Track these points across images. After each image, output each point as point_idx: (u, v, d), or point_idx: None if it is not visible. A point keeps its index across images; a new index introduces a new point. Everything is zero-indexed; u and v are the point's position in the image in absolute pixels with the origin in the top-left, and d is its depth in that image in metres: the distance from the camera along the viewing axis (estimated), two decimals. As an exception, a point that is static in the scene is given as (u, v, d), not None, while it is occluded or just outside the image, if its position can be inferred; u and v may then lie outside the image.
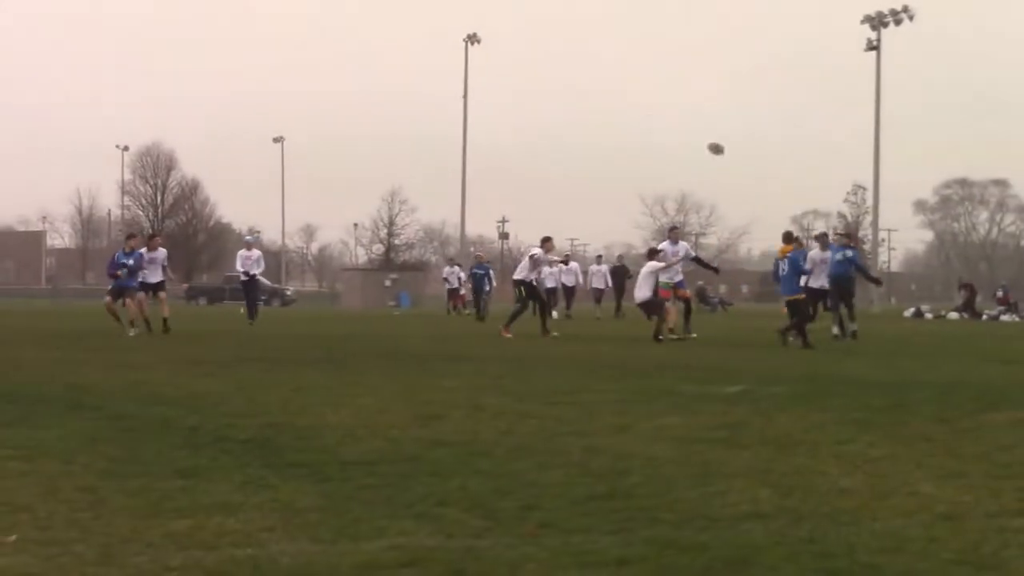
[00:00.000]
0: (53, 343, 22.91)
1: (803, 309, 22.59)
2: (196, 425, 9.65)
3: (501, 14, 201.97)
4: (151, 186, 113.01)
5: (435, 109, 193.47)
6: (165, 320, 27.33)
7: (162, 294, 28.45)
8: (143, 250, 28.15)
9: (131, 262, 27.17)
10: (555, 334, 26.13)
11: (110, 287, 27.80)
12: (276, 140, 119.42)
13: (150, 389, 12.79)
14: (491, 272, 45.64)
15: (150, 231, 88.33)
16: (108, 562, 5.03)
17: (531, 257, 27.97)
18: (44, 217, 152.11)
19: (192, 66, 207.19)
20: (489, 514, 6.07)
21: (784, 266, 22.78)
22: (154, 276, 28.16)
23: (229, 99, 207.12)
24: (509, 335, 25.88)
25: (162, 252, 28.68)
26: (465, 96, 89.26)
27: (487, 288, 43.80)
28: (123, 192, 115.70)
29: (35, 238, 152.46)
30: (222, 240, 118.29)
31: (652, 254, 26.17)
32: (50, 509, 6.07)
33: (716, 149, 26.66)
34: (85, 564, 5.00)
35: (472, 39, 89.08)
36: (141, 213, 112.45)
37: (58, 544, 5.31)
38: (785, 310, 23.01)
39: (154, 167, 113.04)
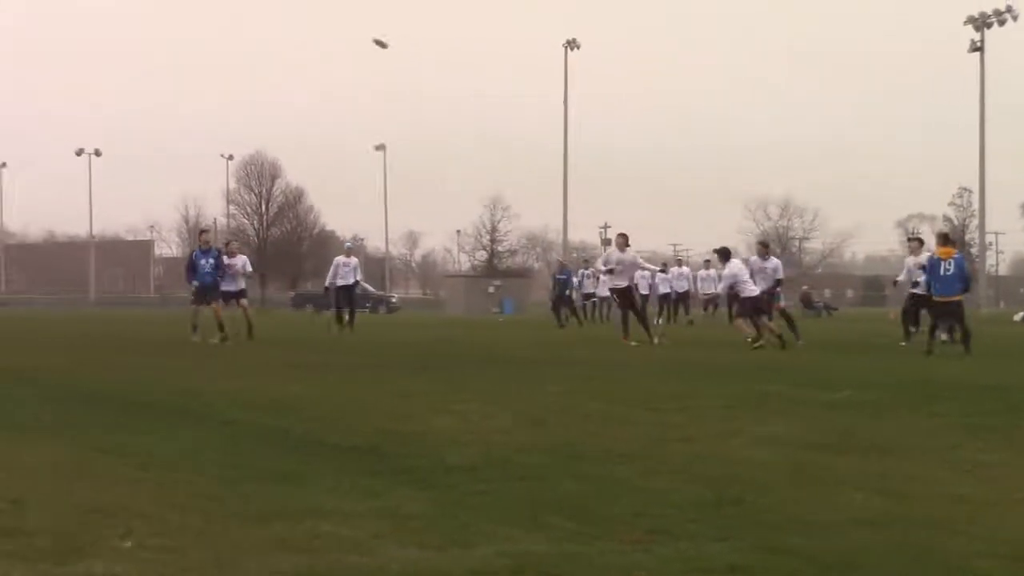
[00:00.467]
0: (162, 350, 23.25)
1: (959, 311, 22.41)
2: (304, 432, 9.74)
3: (600, 18, 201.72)
4: (255, 194, 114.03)
5: (537, 114, 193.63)
6: (250, 327, 27.07)
7: (243, 301, 27.95)
8: (221, 255, 27.61)
9: (211, 260, 26.77)
10: (657, 341, 25.77)
11: (193, 293, 27.18)
12: (378, 148, 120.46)
13: (257, 395, 12.92)
14: (574, 277, 45.40)
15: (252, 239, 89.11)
16: (220, 567, 5.10)
17: (604, 263, 27.89)
18: (152, 226, 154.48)
19: (294, 74, 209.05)
20: (597, 520, 6.06)
21: (948, 267, 22.33)
22: (232, 284, 27.52)
23: (330, 107, 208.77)
24: (632, 343, 25.47)
25: (241, 259, 28.17)
26: (565, 101, 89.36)
27: (570, 293, 43.65)
28: (228, 201, 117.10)
29: (143, 247, 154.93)
30: (327, 248, 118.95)
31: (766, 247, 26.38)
32: (163, 515, 6.15)
33: (380, 44, 29.34)
34: (197, 569, 5.07)
35: (571, 44, 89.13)
36: (246, 221, 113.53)
37: (171, 550, 5.38)
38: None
39: (258, 176, 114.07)
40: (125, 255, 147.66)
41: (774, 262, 27.12)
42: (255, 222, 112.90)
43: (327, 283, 33.87)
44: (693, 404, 11.92)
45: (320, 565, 5.17)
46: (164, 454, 8.38)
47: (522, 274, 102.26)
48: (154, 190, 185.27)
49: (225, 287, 27.22)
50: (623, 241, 27.56)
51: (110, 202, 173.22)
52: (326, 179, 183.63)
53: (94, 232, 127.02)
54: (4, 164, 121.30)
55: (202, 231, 30.29)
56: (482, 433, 9.57)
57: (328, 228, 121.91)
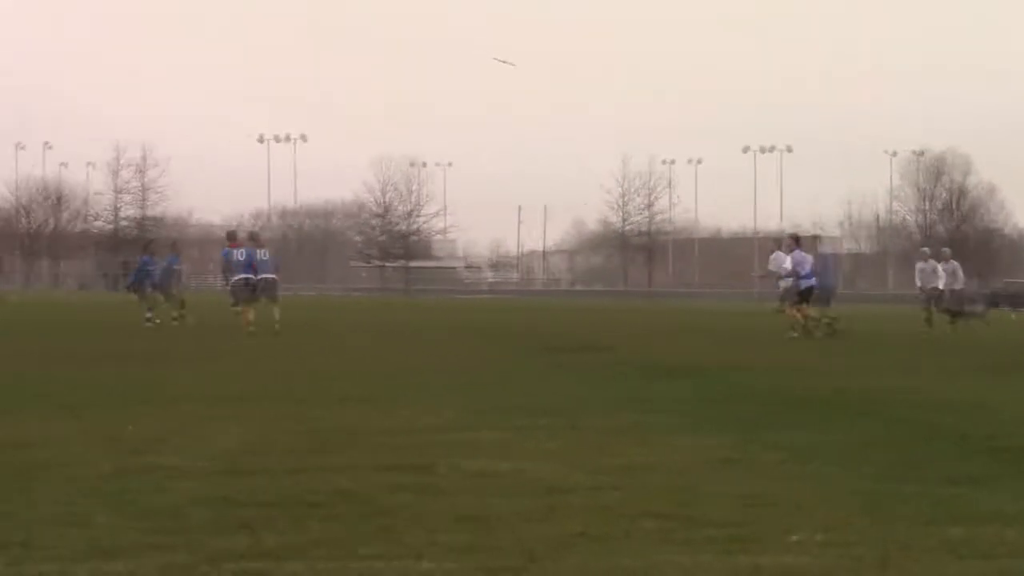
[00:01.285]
0: (807, 346, 23.35)
1: None
2: (966, 432, 9.50)
3: None
4: (920, 191, 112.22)
5: None
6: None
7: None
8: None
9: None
10: None
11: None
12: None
13: (921, 395, 12.73)
14: None
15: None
16: (886, 567, 5.06)
17: None
18: (815, 222, 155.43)
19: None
20: None
21: None
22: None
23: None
24: None
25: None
26: None
27: None
28: (891, 198, 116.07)
29: (808, 243, 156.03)
30: (990, 246, 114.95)
31: None
32: (826, 510, 6.19)
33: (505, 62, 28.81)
34: (863, 567, 5.06)
35: None
36: (910, 218, 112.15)
37: (837, 546, 5.39)
38: None
39: (922, 172, 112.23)
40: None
41: None
42: (919, 219, 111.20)
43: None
44: None
45: (987, 569, 5.06)
46: (825, 450, 8.42)
47: None
48: (821, 186, 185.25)
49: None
50: None
51: (776, 198, 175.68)
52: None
53: (758, 228, 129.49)
54: (673, 161, 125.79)
55: (794, 237, 30.93)
56: None
57: (995, 226, 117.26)
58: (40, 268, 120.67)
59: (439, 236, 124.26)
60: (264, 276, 26.21)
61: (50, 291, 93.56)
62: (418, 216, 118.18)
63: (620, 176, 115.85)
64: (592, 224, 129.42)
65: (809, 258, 28.31)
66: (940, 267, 31.69)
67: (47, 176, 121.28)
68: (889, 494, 6.65)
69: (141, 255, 32.40)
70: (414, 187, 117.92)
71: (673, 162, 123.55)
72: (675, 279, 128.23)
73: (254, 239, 28.16)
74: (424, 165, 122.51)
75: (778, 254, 29.25)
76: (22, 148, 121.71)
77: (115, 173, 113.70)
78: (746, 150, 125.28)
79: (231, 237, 28.01)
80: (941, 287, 31.07)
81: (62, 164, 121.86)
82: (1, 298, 48.13)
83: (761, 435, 9.18)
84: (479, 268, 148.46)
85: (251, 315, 25.24)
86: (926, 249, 34.72)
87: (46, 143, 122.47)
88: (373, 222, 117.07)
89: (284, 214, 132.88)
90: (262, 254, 26.70)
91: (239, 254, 26.56)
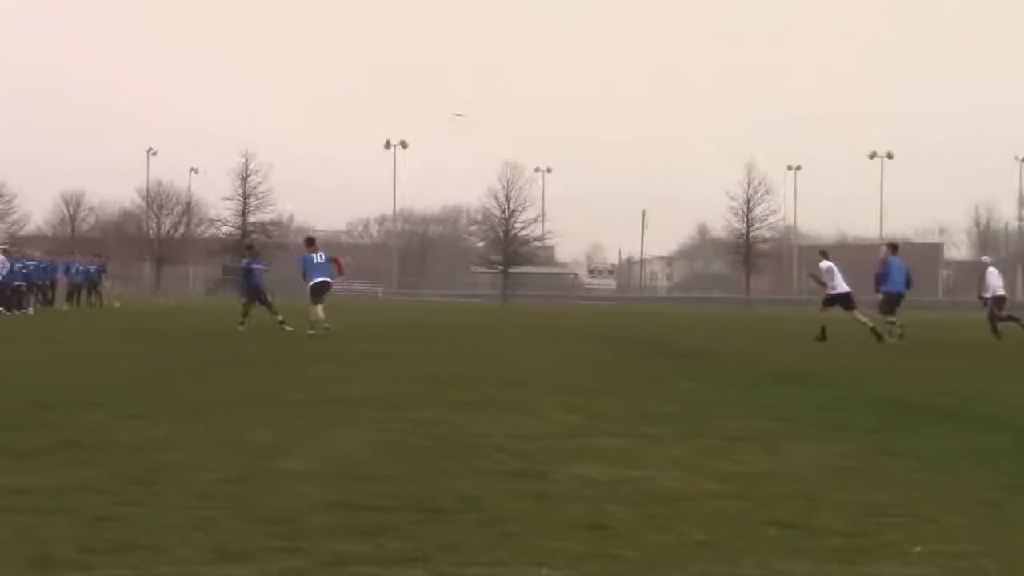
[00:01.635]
0: (947, 353, 22.99)
1: None
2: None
3: None
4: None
5: None
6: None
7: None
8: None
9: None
10: None
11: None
12: None
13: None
14: None
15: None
16: (1014, 578, 4.99)
17: None
18: (942, 230, 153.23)
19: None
20: None
21: None
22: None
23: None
24: None
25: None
26: None
27: None
28: (1022, 204, 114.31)
29: (933, 251, 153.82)
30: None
31: None
32: (949, 520, 6.10)
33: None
34: (991, 579, 4.98)
35: None
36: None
37: (963, 557, 5.30)
38: None
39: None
40: (913, 257, 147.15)
41: None
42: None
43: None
44: None
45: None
46: (950, 458, 8.31)
47: None
48: (946, 192, 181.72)
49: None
50: None
51: (900, 203, 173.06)
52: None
53: (884, 234, 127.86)
54: (799, 167, 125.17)
55: (891, 244, 30.97)
56: None
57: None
58: (166, 273, 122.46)
59: (537, 242, 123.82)
60: (324, 279, 27.56)
61: (175, 296, 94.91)
62: (535, 222, 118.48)
63: (745, 182, 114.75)
64: (717, 231, 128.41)
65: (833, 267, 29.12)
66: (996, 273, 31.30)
67: (151, 181, 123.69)
68: (1017, 504, 6.53)
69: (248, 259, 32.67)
70: (525, 192, 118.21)
71: (799, 168, 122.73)
72: (795, 286, 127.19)
73: (311, 244, 28.72)
74: (542, 170, 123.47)
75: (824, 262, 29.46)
76: (153, 154, 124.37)
77: (243, 179, 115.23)
78: (872, 156, 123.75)
79: (310, 242, 28.75)
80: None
81: (192, 170, 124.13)
82: (105, 305, 48.59)
83: (884, 443, 9.08)
84: (608, 272, 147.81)
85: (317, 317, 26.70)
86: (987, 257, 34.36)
87: (150, 149, 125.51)
88: (497, 227, 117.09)
89: (383, 220, 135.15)
90: (319, 258, 27.91)
91: (318, 257, 27.87)
